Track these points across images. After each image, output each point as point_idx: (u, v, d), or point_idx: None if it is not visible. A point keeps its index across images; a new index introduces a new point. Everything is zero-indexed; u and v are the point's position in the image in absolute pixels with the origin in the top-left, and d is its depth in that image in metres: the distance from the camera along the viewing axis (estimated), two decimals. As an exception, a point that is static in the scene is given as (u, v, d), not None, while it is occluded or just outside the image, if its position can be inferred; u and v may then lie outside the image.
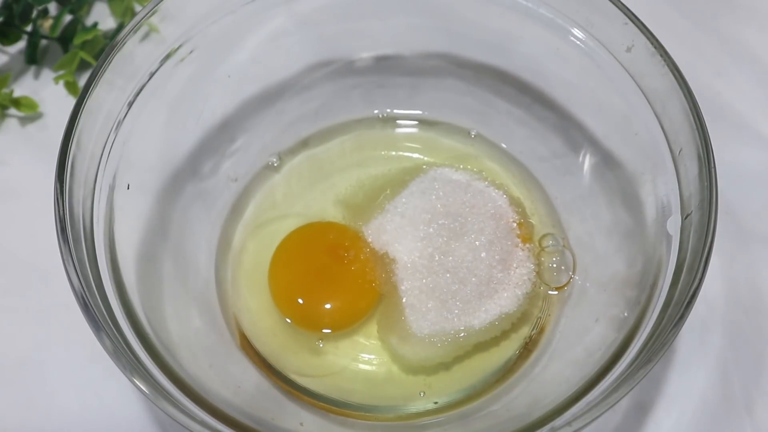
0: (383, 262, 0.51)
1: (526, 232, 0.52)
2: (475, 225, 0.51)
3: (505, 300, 0.49)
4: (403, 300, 0.49)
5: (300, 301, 0.51)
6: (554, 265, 0.52)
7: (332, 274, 0.51)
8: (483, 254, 0.50)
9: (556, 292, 0.51)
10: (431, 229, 0.51)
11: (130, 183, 0.47)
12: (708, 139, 0.42)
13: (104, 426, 0.50)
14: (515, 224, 0.52)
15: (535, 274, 0.51)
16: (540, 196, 0.55)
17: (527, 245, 0.52)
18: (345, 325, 0.51)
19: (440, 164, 0.55)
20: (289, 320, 0.51)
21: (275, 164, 0.57)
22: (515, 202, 0.53)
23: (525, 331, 0.51)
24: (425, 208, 0.52)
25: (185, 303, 0.49)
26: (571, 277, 0.51)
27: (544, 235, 0.53)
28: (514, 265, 0.51)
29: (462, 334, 0.48)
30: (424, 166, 0.55)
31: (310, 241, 0.53)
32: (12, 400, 0.51)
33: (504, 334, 0.50)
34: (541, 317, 0.51)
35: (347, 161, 0.57)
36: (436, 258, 0.50)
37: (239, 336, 0.51)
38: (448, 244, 0.51)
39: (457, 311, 0.49)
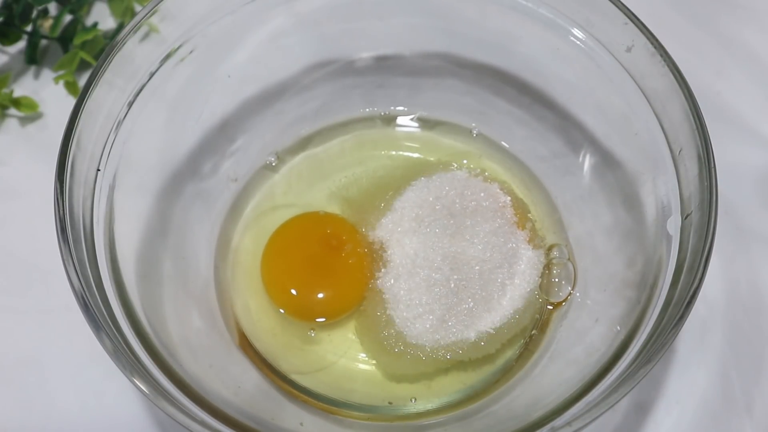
0: (375, 255, 0.51)
1: (532, 241, 0.52)
2: (476, 234, 0.51)
3: (499, 318, 0.49)
4: (387, 309, 0.49)
5: (291, 289, 0.51)
6: (556, 280, 0.51)
7: (324, 262, 0.51)
8: (477, 268, 0.50)
9: (552, 308, 0.51)
10: (427, 230, 0.51)
11: (128, 182, 0.47)
12: (708, 139, 0.42)
13: (104, 426, 0.50)
14: (521, 234, 0.52)
15: (536, 295, 0.50)
16: (541, 195, 0.55)
17: (531, 264, 0.51)
18: (337, 312, 0.51)
19: (442, 163, 0.55)
20: (282, 310, 0.51)
21: (273, 164, 0.57)
22: (520, 208, 0.53)
23: (524, 332, 0.51)
24: (423, 209, 0.52)
25: (185, 303, 0.49)
26: (570, 293, 0.51)
27: (551, 246, 0.53)
28: (516, 280, 0.50)
29: (442, 352, 0.48)
30: (425, 165, 0.55)
31: (302, 231, 0.53)
32: (12, 400, 0.51)
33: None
34: (541, 318, 0.51)
35: (347, 160, 0.57)
36: (430, 263, 0.50)
37: (239, 336, 0.51)
38: (445, 249, 0.50)
39: (451, 323, 0.48)
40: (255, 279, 0.53)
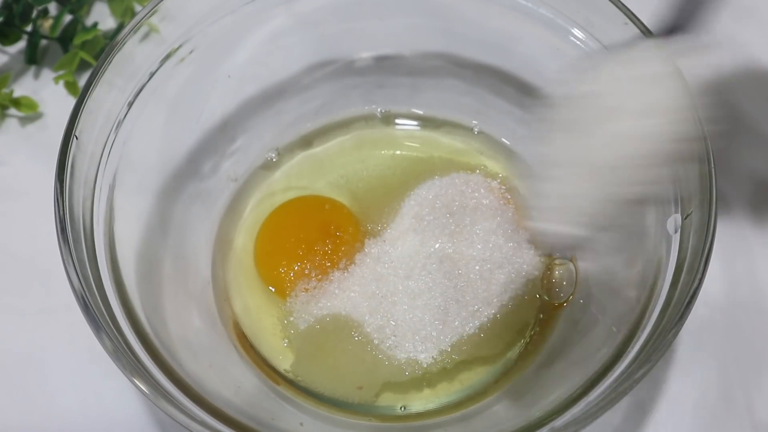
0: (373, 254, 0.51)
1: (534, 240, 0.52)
2: (475, 232, 0.51)
3: (501, 318, 0.49)
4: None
5: (279, 266, 0.51)
6: (555, 281, 0.51)
7: (316, 242, 0.52)
8: (478, 267, 0.50)
9: (553, 308, 0.51)
10: (427, 229, 0.51)
11: (128, 182, 0.47)
12: (708, 139, 0.42)
13: (104, 426, 0.50)
14: (523, 233, 0.52)
15: (538, 295, 0.50)
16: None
17: (533, 264, 0.51)
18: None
19: (442, 161, 0.55)
20: (272, 288, 0.52)
21: (274, 159, 0.57)
22: (523, 205, 0.53)
23: (525, 332, 0.51)
24: (423, 207, 0.52)
25: (185, 303, 0.49)
26: (572, 294, 0.51)
27: None
28: (518, 281, 0.50)
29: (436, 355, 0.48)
30: (425, 164, 0.55)
31: (301, 212, 0.54)
32: (12, 399, 0.51)
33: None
34: (542, 317, 0.51)
35: (347, 160, 0.57)
36: (430, 263, 0.50)
37: (239, 336, 0.51)
38: (445, 249, 0.50)
39: (452, 324, 0.48)
40: (255, 279, 0.53)
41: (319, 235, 0.52)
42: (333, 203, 0.54)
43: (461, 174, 0.54)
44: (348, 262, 0.51)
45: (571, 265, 0.52)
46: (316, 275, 0.51)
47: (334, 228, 0.52)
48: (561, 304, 0.51)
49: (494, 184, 0.54)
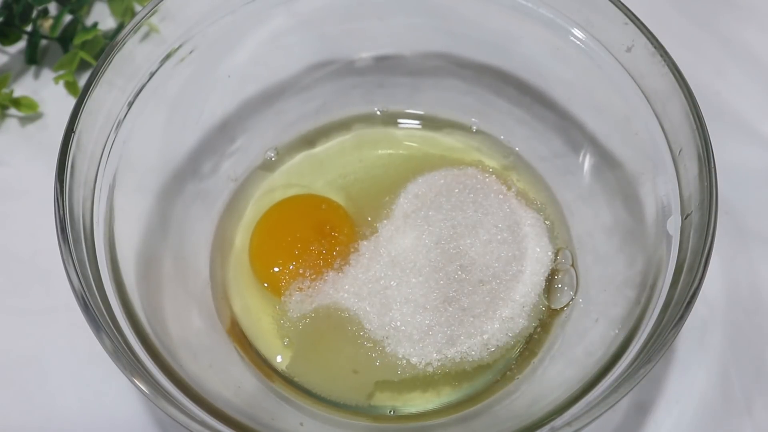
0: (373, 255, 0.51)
1: (539, 239, 0.52)
2: (479, 232, 0.51)
3: (504, 323, 0.49)
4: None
5: (274, 264, 0.51)
6: (558, 285, 0.51)
7: (311, 241, 0.52)
8: (480, 272, 0.50)
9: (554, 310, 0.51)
10: (428, 228, 0.51)
11: (128, 182, 0.47)
12: (708, 139, 0.42)
13: (104, 426, 0.50)
14: (528, 231, 0.52)
15: (540, 299, 0.50)
16: (544, 193, 0.55)
17: (537, 267, 0.51)
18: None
19: (442, 160, 0.55)
20: (266, 284, 0.52)
21: (273, 159, 0.57)
22: (524, 200, 0.53)
23: (525, 334, 0.50)
24: (425, 206, 0.52)
25: (185, 303, 0.49)
26: (572, 298, 0.51)
27: (557, 249, 0.52)
28: (521, 285, 0.50)
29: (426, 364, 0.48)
30: (426, 163, 0.55)
31: (297, 211, 0.54)
32: (12, 399, 0.51)
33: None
34: (542, 319, 0.51)
35: (347, 160, 0.57)
36: (432, 264, 0.50)
37: (238, 336, 0.51)
38: (446, 249, 0.50)
39: (455, 327, 0.48)
40: (255, 279, 0.53)
41: (315, 234, 0.52)
42: (329, 203, 0.54)
43: (453, 168, 0.54)
44: (343, 263, 0.51)
45: (572, 271, 0.51)
46: (310, 275, 0.51)
47: (330, 228, 0.52)
48: (562, 308, 0.51)
49: (490, 177, 0.54)
